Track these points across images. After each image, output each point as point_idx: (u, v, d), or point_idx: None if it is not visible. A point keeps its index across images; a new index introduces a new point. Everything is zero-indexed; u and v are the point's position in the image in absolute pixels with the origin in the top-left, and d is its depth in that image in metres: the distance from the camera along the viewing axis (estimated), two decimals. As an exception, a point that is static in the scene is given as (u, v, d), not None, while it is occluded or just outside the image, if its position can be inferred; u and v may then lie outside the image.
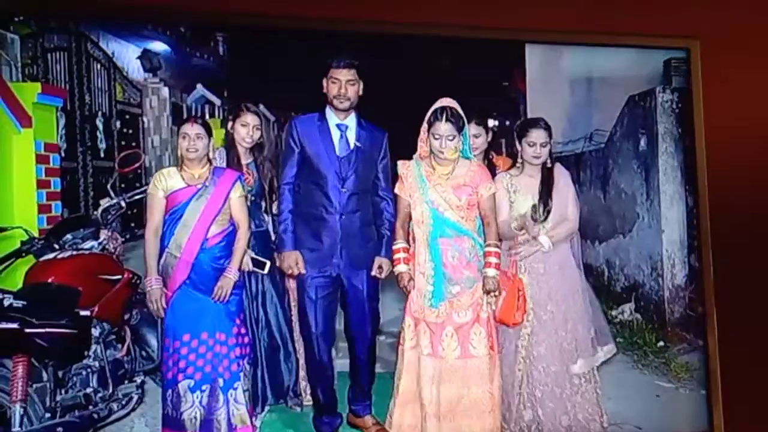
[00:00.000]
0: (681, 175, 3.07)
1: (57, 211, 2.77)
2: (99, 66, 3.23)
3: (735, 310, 2.79)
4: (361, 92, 2.60)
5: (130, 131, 3.44)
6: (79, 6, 2.60)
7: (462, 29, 2.74)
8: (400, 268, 2.55)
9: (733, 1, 2.91)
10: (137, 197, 2.61)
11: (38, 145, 2.74)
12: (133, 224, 2.84)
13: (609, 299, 3.30)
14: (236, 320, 2.49)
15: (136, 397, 2.40)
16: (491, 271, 2.51)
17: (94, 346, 2.29)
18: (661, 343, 3.05)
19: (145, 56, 3.26)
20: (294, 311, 2.71)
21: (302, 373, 2.72)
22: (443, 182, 2.53)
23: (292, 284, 2.71)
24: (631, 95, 3.26)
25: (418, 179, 2.55)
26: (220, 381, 2.41)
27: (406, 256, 2.56)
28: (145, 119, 3.56)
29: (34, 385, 2.08)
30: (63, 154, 2.87)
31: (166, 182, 2.44)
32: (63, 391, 2.18)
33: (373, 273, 2.59)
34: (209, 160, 2.49)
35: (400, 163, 2.62)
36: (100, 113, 3.22)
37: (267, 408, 2.69)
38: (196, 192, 2.43)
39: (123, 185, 2.78)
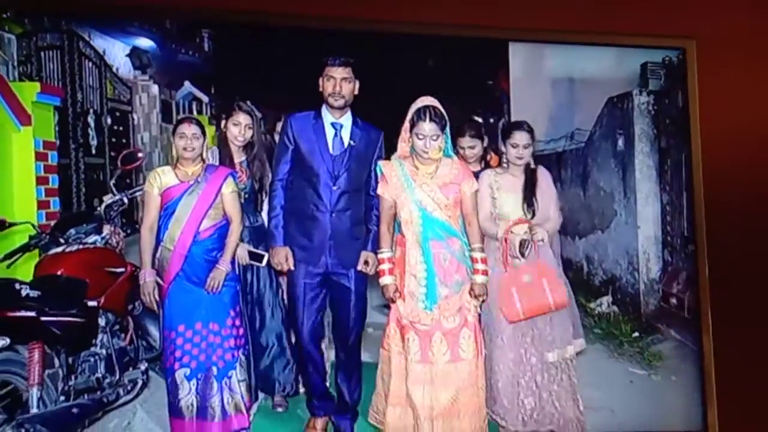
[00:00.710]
0: (656, 174, 3.32)
1: (55, 207, 2.94)
2: (90, 64, 3.36)
3: (729, 309, 2.93)
4: (356, 91, 2.66)
5: (121, 128, 3.56)
6: (66, 2, 2.76)
7: (447, 28, 2.87)
8: (386, 280, 2.59)
9: (729, 2, 3.06)
10: (138, 194, 2.82)
11: (37, 143, 2.91)
12: (131, 219, 3.00)
13: (588, 292, 3.49)
14: (230, 311, 2.64)
15: (141, 383, 2.61)
16: (480, 278, 2.59)
17: (100, 335, 2.51)
18: (636, 334, 3.30)
19: (135, 54, 3.40)
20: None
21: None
22: (429, 181, 2.59)
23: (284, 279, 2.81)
24: (610, 97, 3.44)
25: (402, 179, 2.60)
26: (214, 369, 2.58)
27: (391, 267, 2.60)
28: (135, 116, 3.68)
29: (47, 371, 2.29)
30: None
31: (160, 180, 2.63)
32: (74, 377, 2.40)
33: (359, 268, 2.65)
34: (203, 159, 2.68)
35: (381, 163, 2.66)
36: (91, 110, 3.36)
37: (261, 397, 2.87)
38: (188, 188, 2.63)
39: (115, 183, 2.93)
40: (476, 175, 2.79)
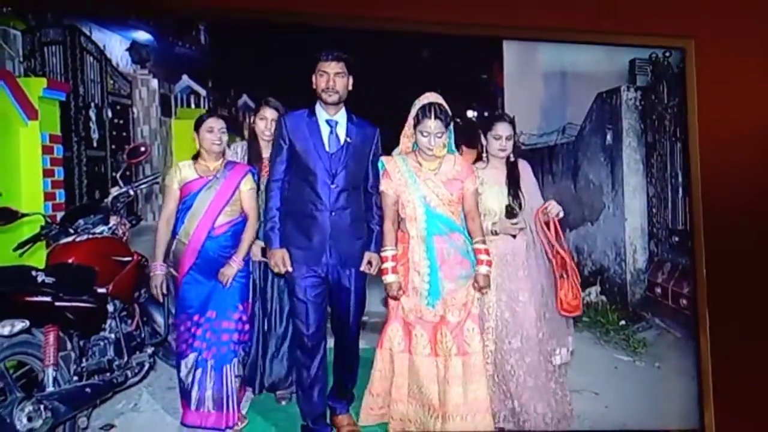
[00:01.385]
0: (643, 167, 3.52)
1: (61, 199, 3.14)
2: (92, 58, 3.54)
3: (726, 309, 2.98)
4: (350, 86, 2.66)
5: (121, 121, 3.76)
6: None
7: (444, 26, 2.94)
8: (390, 278, 2.63)
9: (729, 2, 3.12)
10: (143, 186, 3.04)
11: (44, 136, 3.10)
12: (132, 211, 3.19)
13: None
14: (238, 306, 2.76)
15: (147, 366, 2.81)
16: (484, 269, 2.63)
17: (109, 320, 2.71)
18: (623, 322, 3.51)
19: (134, 48, 3.61)
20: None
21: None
22: (433, 177, 2.64)
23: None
24: (599, 92, 3.61)
25: (406, 175, 2.65)
26: (213, 361, 2.73)
27: (394, 265, 2.63)
28: (134, 110, 3.86)
29: (61, 353, 2.49)
30: (60, 144, 3.20)
31: (180, 174, 2.77)
32: (85, 359, 2.61)
33: (362, 268, 2.66)
34: (223, 154, 2.82)
35: (383, 158, 2.70)
36: (92, 104, 3.54)
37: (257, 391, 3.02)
38: (207, 183, 2.75)
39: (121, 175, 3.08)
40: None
